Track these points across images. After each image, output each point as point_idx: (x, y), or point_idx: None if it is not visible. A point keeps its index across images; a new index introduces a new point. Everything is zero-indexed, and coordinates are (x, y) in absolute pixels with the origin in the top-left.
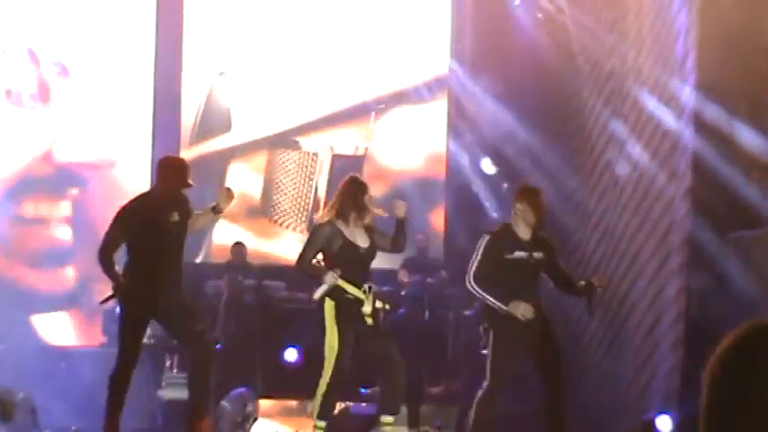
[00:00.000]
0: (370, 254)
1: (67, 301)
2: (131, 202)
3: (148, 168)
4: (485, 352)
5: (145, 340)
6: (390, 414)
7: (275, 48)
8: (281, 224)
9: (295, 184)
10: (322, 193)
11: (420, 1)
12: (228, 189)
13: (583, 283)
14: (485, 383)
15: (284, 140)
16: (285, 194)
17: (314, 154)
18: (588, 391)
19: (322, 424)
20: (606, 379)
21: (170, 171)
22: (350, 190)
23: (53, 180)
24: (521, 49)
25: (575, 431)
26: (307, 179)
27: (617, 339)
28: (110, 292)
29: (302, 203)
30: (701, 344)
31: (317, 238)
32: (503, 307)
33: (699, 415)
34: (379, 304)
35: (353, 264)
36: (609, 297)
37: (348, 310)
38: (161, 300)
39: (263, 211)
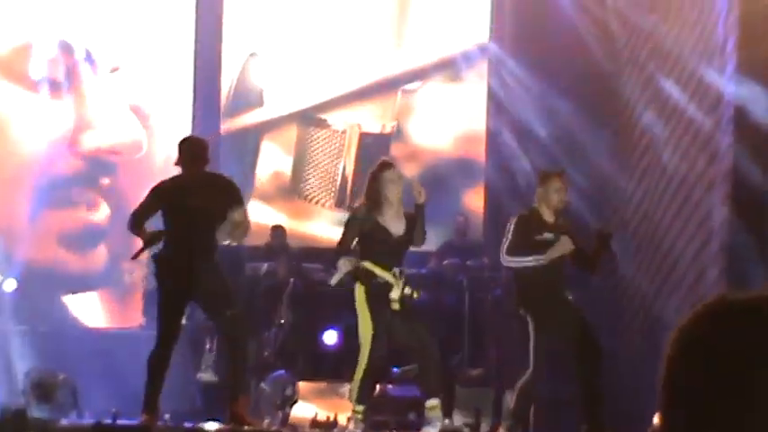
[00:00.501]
0: (404, 240)
1: (104, 283)
2: (164, 181)
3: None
4: (531, 341)
5: (183, 322)
6: (434, 397)
7: (308, 24)
8: (310, 200)
9: (323, 161)
10: (350, 171)
11: None
12: (243, 218)
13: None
14: (529, 370)
15: (314, 118)
16: (314, 172)
17: (342, 132)
18: (625, 379)
19: (360, 408)
20: (643, 367)
21: (184, 154)
22: (373, 176)
23: (89, 165)
24: (559, 30)
25: (610, 418)
26: (335, 157)
27: (658, 321)
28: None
29: (331, 180)
30: None
31: (352, 223)
32: (540, 257)
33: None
34: (408, 290)
35: (385, 250)
36: (647, 282)
37: (377, 294)
38: (194, 281)
39: (293, 189)
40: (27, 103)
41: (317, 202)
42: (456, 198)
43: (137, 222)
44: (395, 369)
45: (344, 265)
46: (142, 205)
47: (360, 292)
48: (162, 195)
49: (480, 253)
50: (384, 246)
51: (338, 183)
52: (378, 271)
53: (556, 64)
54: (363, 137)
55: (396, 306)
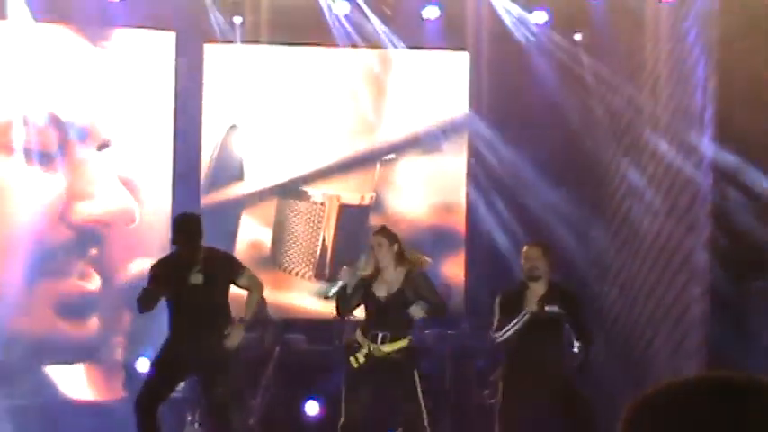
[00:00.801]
0: (390, 302)
1: (91, 355)
2: (161, 260)
3: (168, 221)
4: (492, 401)
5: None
6: None
7: (286, 99)
8: (289, 272)
9: (303, 233)
10: (329, 242)
11: (436, 53)
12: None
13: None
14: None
15: (294, 190)
16: (294, 243)
17: (321, 204)
18: (613, 419)
19: None
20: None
21: (177, 230)
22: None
23: (73, 238)
24: (539, 101)
25: None
26: (314, 228)
27: (638, 392)
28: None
29: (310, 252)
30: None
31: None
32: (522, 319)
33: None
34: (385, 351)
35: (372, 314)
36: (629, 348)
37: (352, 354)
38: (190, 358)
39: (272, 260)
40: (17, 174)
41: (296, 274)
42: (435, 267)
43: (146, 307)
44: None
45: (345, 276)
46: (146, 290)
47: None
48: (162, 274)
49: (461, 322)
50: (371, 310)
51: (318, 254)
52: (358, 336)
53: (535, 134)
54: (342, 208)
55: (354, 364)
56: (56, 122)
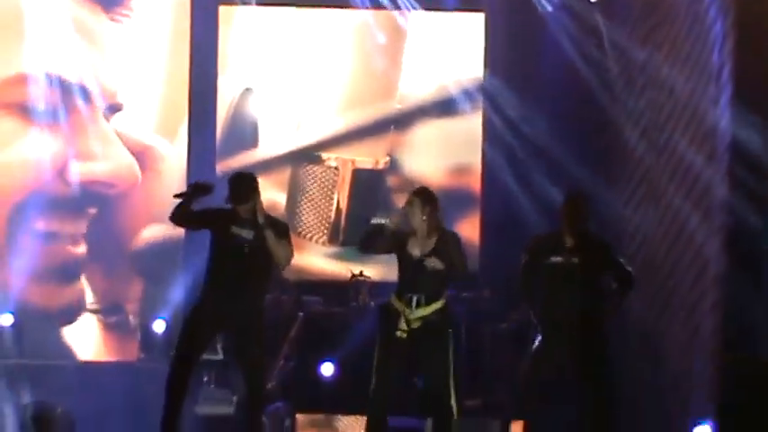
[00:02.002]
0: (427, 264)
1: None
2: (216, 209)
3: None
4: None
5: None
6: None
7: (302, 62)
8: (304, 236)
9: (317, 197)
10: (343, 207)
11: (453, 15)
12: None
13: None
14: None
15: (308, 156)
16: (308, 208)
17: (335, 168)
18: (627, 400)
19: None
20: (645, 388)
21: (232, 189)
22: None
23: (80, 195)
24: (555, 61)
25: None
26: (329, 193)
27: (657, 348)
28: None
29: (324, 216)
30: (741, 352)
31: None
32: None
33: None
34: (421, 314)
35: (405, 273)
36: (647, 306)
37: (386, 324)
38: (225, 315)
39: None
40: (20, 132)
41: (310, 238)
42: (451, 227)
43: (181, 220)
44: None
45: (393, 218)
46: (195, 212)
47: (378, 321)
48: (211, 218)
49: (476, 283)
50: (409, 269)
51: (332, 218)
52: (393, 300)
53: (551, 95)
54: (357, 173)
55: (402, 335)
56: (61, 82)
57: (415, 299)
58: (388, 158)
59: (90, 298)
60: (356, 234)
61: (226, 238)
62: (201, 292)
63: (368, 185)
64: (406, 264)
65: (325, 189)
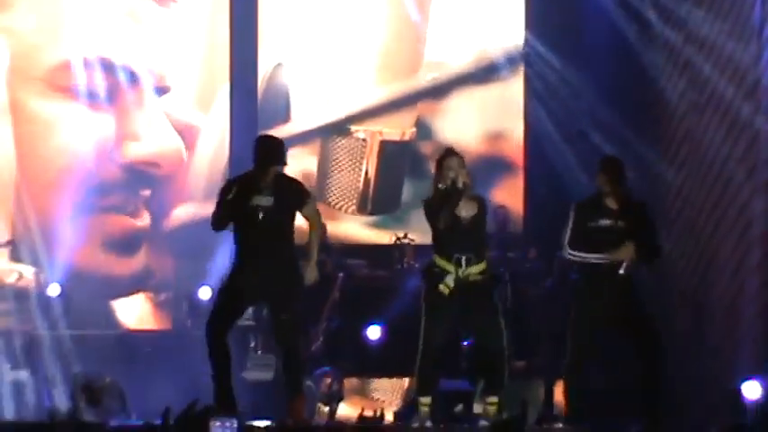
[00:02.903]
0: (473, 224)
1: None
2: (234, 178)
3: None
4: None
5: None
6: (494, 393)
7: (330, 35)
8: (334, 206)
9: (345, 168)
10: (371, 177)
11: None
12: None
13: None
14: (567, 358)
15: (338, 128)
16: (337, 179)
17: (363, 139)
18: (673, 361)
19: (425, 400)
20: (692, 348)
21: (260, 151)
22: (437, 164)
23: (130, 174)
24: (596, 21)
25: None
26: (357, 163)
27: (701, 308)
28: None
29: (353, 187)
30: None
31: (430, 209)
32: (606, 257)
33: None
34: (472, 276)
35: (454, 235)
36: (692, 266)
37: (436, 281)
38: (258, 281)
39: (317, 195)
40: (70, 114)
41: (339, 208)
42: (489, 194)
43: (219, 227)
44: (465, 342)
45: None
46: (215, 212)
47: (423, 286)
48: (232, 193)
49: (520, 245)
50: (456, 230)
51: (360, 189)
52: (439, 261)
53: (592, 53)
54: (384, 144)
55: (445, 291)
56: (108, 66)
57: (464, 259)
58: (414, 130)
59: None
60: (384, 203)
61: (247, 207)
62: (232, 262)
63: (395, 157)
64: (453, 226)
65: (354, 160)
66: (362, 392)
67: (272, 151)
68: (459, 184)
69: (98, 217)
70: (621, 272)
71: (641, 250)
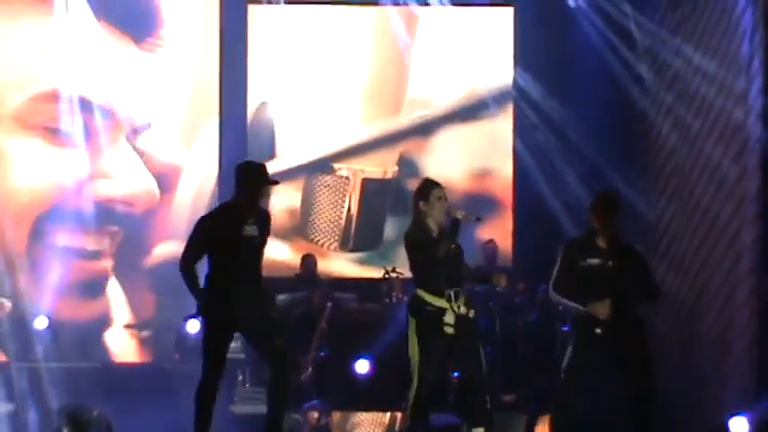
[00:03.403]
0: (456, 256)
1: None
2: (212, 211)
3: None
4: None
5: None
6: (481, 426)
7: (316, 74)
8: (316, 243)
9: (329, 206)
10: (353, 215)
11: (482, 9)
12: None
13: None
14: (561, 383)
15: (322, 165)
16: (319, 216)
17: (346, 177)
18: (662, 394)
19: None
20: (680, 381)
21: (244, 178)
22: (419, 195)
23: (101, 212)
24: (584, 56)
25: None
26: (339, 201)
27: (690, 340)
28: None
29: (335, 224)
30: None
31: (421, 239)
32: (580, 308)
33: None
34: (463, 310)
35: (438, 267)
36: (681, 298)
37: (429, 322)
38: (239, 313)
39: (300, 231)
40: (45, 152)
41: (322, 245)
42: (476, 230)
43: (188, 271)
44: (455, 374)
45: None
46: (188, 246)
47: (411, 322)
48: (206, 229)
49: (509, 279)
50: (438, 265)
51: (342, 226)
52: (428, 298)
53: (581, 89)
54: (366, 182)
55: (450, 330)
56: (86, 104)
57: (453, 293)
58: (396, 168)
59: (124, 314)
60: (366, 240)
61: (236, 238)
62: (210, 295)
63: (377, 194)
64: (443, 261)
65: (336, 198)
66: (364, 425)
67: (262, 176)
68: (458, 215)
69: (74, 257)
70: (598, 331)
71: (635, 292)
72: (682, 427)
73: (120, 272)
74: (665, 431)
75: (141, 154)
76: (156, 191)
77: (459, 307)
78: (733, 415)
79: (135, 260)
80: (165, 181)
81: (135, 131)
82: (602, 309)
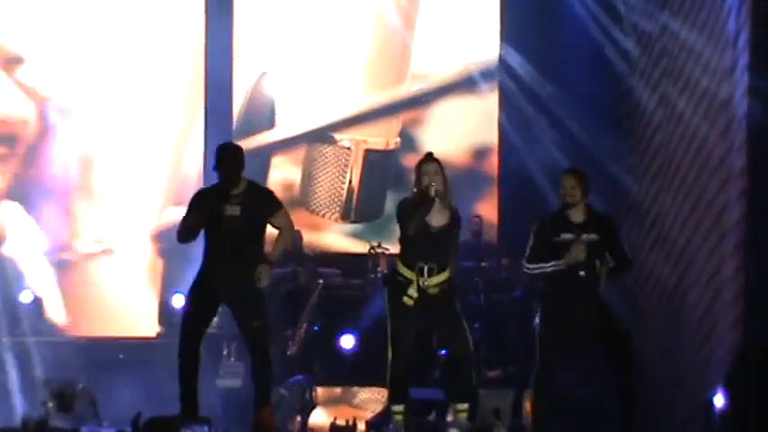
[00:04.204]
0: (446, 233)
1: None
2: (200, 189)
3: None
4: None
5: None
6: (464, 401)
7: (316, 43)
8: (317, 214)
9: (330, 177)
10: (355, 185)
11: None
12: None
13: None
14: (537, 361)
15: (323, 136)
16: (321, 186)
17: (348, 148)
18: (647, 370)
19: (398, 408)
20: (665, 358)
21: (218, 159)
22: (417, 168)
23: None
24: (571, 31)
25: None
26: (341, 172)
27: (675, 318)
28: None
29: (337, 195)
30: (760, 322)
31: (404, 207)
32: (559, 262)
33: None
34: (427, 284)
35: (424, 242)
36: (666, 276)
37: (397, 292)
38: (226, 288)
39: (301, 202)
40: None
41: (323, 216)
42: (468, 205)
43: (185, 238)
44: (442, 352)
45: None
46: (182, 221)
47: (385, 291)
48: (196, 205)
49: (495, 254)
50: (423, 238)
51: (344, 197)
52: (401, 269)
53: (566, 65)
54: (368, 153)
55: (409, 302)
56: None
57: (426, 268)
58: (398, 140)
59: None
60: (367, 212)
61: (217, 217)
62: (201, 269)
63: (379, 166)
64: (420, 232)
65: (338, 169)
66: (349, 400)
67: (236, 158)
68: (432, 192)
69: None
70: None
71: (614, 264)
72: (667, 403)
73: None
74: (650, 407)
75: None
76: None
77: (424, 283)
78: (718, 391)
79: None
80: None
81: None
82: (577, 252)
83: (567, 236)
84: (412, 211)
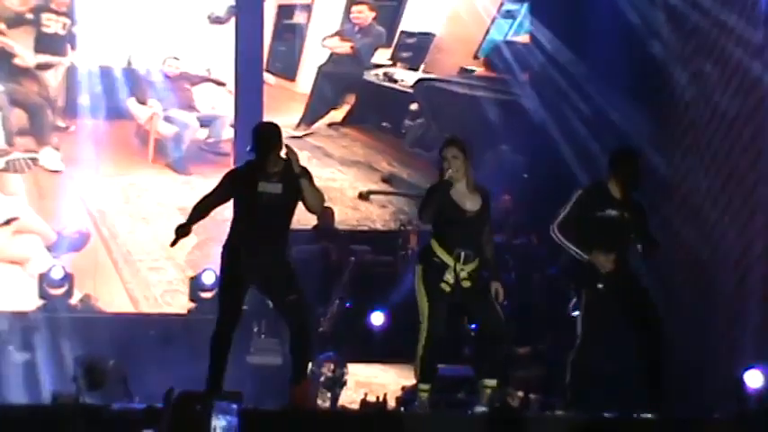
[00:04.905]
0: (478, 218)
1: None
2: (240, 166)
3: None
4: (575, 314)
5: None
6: (493, 377)
7: None
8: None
9: None
10: None
11: None
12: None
13: None
14: (577, 342)
15: None
16: None
17: None
18: (677, 347)
19: (425, 386)
20: (695, 334)
21: (258, 139)
22: (439, 153)
23: None
24: (601, 8)
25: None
26: None
27: (705, 295)
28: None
29: None
30: None
31: (431, 193)
32: (584, 256)
33: None
34: (464, 275)
35: (456, 228)
36: (697, 251)
37: (435, 273)
38: (257, 267)
39: None
40: None
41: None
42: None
43: (196, 208)
44: (472, 326)
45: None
46: (214, 189)
47: (418, 270)
48: (227, 182)
49: (525, 232)
50: (455, 224)
51: None
52: (438, 251)
53: (597, 42)
54: None
55: (447, 288)
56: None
57: (463, 255)
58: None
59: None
60: None
61: (254, 195)
62: (232, 248)
63: None
64: (455, 218)
65: None
66: (379, 376)
67: (275, 137)
68: (446, 176)
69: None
70: (600, 287)
71: (646, 246)
72: (696, 381)
73: None
74: (679, 384)
75: None
76: None
77: (461, 270)
78: (748, 368)
79: None
80: None
81: None
82: (605, 262)
83: (612, 212)
84: (431, 199)
